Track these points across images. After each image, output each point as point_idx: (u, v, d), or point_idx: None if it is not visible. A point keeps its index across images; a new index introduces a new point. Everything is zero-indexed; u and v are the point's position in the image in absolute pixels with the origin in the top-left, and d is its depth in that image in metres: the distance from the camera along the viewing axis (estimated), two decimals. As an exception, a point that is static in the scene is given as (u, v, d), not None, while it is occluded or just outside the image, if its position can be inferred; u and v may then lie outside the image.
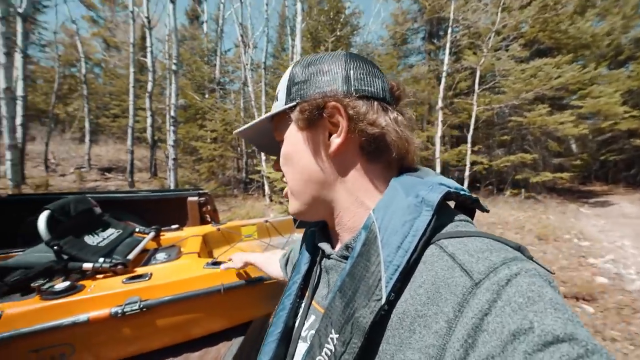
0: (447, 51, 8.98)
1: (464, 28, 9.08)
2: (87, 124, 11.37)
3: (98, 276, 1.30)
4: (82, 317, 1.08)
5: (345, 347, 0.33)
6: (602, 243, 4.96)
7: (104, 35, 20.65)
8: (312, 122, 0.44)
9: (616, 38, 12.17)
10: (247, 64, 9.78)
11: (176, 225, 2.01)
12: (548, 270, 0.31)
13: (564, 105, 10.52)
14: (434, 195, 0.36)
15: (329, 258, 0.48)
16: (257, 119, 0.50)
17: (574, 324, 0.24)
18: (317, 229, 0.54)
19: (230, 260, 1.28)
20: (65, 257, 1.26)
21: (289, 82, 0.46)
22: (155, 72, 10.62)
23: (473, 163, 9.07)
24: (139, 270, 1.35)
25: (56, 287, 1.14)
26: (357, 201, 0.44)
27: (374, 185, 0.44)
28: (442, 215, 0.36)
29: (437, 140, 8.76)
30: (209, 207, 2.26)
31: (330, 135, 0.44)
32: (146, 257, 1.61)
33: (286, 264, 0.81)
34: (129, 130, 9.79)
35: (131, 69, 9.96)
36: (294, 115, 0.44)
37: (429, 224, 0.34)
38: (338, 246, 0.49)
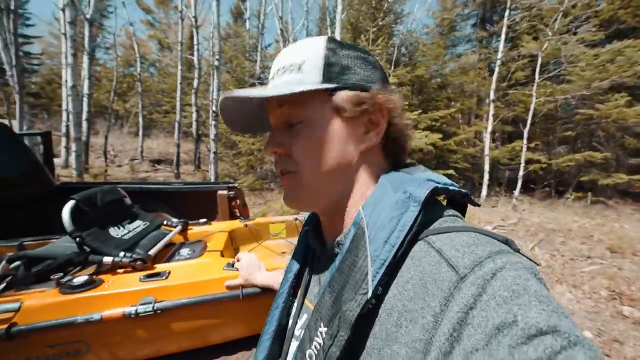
0: (503, 37, 8.09)
1: (523, 10, 8.09)
2: (140, 119, 12.32)
3: (119, 270, 1.27)
4: (96, 315, 1.04)
5: (333, 340, 0.34)
6: (698, 261, 4.08)
7: (159, 36, 22.26)
8: (358, 114, 0.41)
9: None
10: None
11: (204, 220, 1.97)
12: (535, 262, 0.31)
13: (648, 95, 8.95)
14: (422, 191, 0.36)
15: (321, 256, 0.49)
16: (274, 89, 0.40)
17: (557, 315, 0.24)
18: (310, 228, 0.53)
19: (237, 267, 1.18)
20: (87, 249, 1.24)
21: (326, 59, 0.41)
22: (200, 70, 11.14)
23: (528, 162, 8.13)
24: (158, 268, 1.29)
25: (75, 280, 1.11)
26: (363, 198, 0.44)
27: (375, 181, 0.44)
28: (430, 210, 0.37)
29: (487, 136, 7.99)
30: (238, 201, 2.20)
31: (365, 130, 0.43)
32: (171, 251, 1.57)
33: None
34: (176, 125, 10.40)
35: (179, 67, 10.55)
36: (340, 101, 0.41)
37: (415, 219, 0.35)
38: (329, 243, 0.48)
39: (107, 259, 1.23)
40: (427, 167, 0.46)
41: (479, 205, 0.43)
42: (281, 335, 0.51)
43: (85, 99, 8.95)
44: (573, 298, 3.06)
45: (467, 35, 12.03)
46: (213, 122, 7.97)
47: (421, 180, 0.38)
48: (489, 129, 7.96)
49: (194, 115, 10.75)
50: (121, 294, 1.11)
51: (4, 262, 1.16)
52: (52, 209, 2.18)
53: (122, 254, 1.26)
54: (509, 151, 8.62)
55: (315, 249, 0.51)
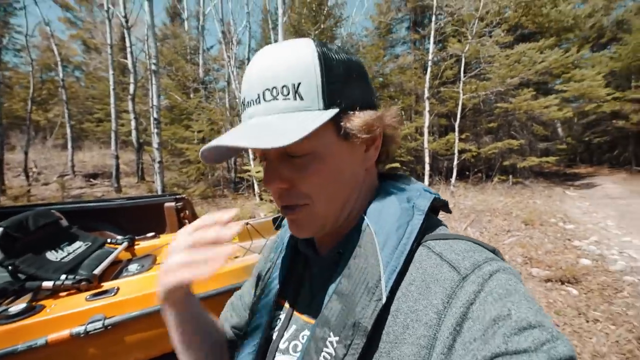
0: (432, 39, 8.92)
1: (447, 15, 9.02)
2: (68, 130, 11.05)
3: (62, 294, 1.24)
4: (40, 340, 1.03)
5: (347, 349, 0.33)
6: (586, 225, 5.05)
7: (83, 36, 20.00)
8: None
9: (598, 20, 12.27)
10: (230, 61, 9.58)
11: (152, 234, 1.96)
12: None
13: (549, 89, 10.61)
14: (424, 201, 0.40)
15: (314, 264, 0.47)
16: (275, 130, 0.34)
17: (542, 314, 0.29)
18: None
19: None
20: (22, 276, 1.20)
21: (324, 78, 0.36)
22: (137, 74, 10.34)
23: (461, 151, 9.11)
24: (106, 285, 1.29)
25: (11, 309, 1.08)
26: (363, 208, 0.43)
27: (373, 191, 0.45)
28: (426, 218, 0.39)
29: (425, 130, 8.76)
30: (187, 212, 2.20)
31: (366, 148, 0.42)
32: (118, 268, 1.55)
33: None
34: (113, 135, 9.56)
35: (110, 71, 9.69)
36: (350, 127, 0.38)
37: (421, 227, 0.37)
38: (324, 250, 0.47)
39: (47, 284, 1.20)
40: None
41: (450, 212, 0.46)
42: (264, 350, 0.46)
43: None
44: (496, 266, 3.59)
45: (402, 37, 12.99)
46: (155, 130, 7.50)
47: (420, 191, 0.42)
48: (427, 123, 8.74)
49: (133, 123, 9.98)
50: (67, 315, 1.11)
51: None
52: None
53: (63, 276, 1.24)
54: (444, 143, 9.57)
55: (307, 256, 0.49)
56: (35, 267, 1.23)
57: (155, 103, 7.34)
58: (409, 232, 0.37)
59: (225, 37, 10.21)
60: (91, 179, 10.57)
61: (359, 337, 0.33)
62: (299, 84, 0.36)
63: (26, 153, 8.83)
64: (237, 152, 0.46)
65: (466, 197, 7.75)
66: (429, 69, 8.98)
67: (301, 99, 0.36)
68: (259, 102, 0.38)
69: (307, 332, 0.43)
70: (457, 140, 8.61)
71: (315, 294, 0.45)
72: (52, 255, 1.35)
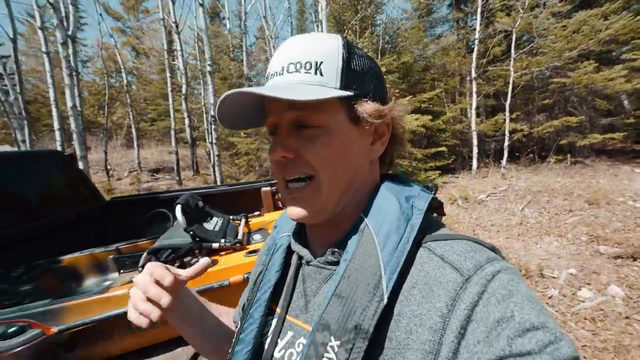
0: (479, 16, 8.53)
1: (495, -11, 8.53)
2: (134, 130, 12.40)
3: (222, 253, 1.68)
4: (225, 281, 1.45)
5: (349, 354, 0.32)
6: (661, 204, 4.73)
7: (132, 43, 21.85)
8: (373, 126, 0.42)
9: (677, -27, 10.68)
10: (269, 57, 10.01)
11: (258, 212, 2.38)
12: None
13: (613, 59, 9.61)
14: (422, 202, 0.40)
15: (309, 265, 0.47)
16: (293, 90, 0.37)
17: (544, 315, 0.28)
18: (293, 234, 0.51)
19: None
20: (197, 239, 1.64)
21: (345, 63, 0.40)
22: (187, 75, 11.25)
23: (512, 132, 8.72)
24: (251, 247, 1.70)
25: (200, 261, 1.52)
26: (360, 205, 0.44)
27: (373, 187, 0.45)
28: (424, 218, 0.39)
29: (472, 112, 8.52)
30: (280, 195, 2.60)
31: (372, 141, 0.44)
32: (245, 238, 1.98)
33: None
34: (172, 133, 10.56)
35: (168, 74, 10.62)
36: (362, 111, 0.40)
37: (420, 227, 0.38)
38: (320, 251, 0.46)
39: (215, 245, 1.63)
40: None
41: (444, 215, 0.46)
42: (257, 357, 0.45)
43: (78, 117, 9.01)
44: (559, 245, 3.62)
45: (444, 16, 12.43)
46: (212, 126, 8.22)
47: (418, 190, 0.42)
48: (474, 105, 8.48)
49: (187, 121, 10.93)
50: (235, 266, 1.53)
51: (145, 254, 1.55)
52: (108, 220, 2.57)
53: (222, 240, 1.67)
54: (493, 124, 9.19)
55: (301, 256, 0.48)
56: (203, 233, 1.67)
57: (211, 101, 8.01)
58: (408, 232, 0.37)
59: (265, 33, 10.63)
60: (154, 174, 11.82)
61: (361, 340, 0.32)
62: (322, 62, 0.39)
63: (105, 152, 10.15)
64: (252, 123, 0.47)
65: (519, 178, 7.49)
66: (475, 48, 8.62)
67: (321, 74, 0.39)
68: (282, 73, 0.40)
69: (303, 340, 0.41)
70: (507, 120, 8.26)
71: (310, 297, 0.44)
72: (207, 226, 1.80)
